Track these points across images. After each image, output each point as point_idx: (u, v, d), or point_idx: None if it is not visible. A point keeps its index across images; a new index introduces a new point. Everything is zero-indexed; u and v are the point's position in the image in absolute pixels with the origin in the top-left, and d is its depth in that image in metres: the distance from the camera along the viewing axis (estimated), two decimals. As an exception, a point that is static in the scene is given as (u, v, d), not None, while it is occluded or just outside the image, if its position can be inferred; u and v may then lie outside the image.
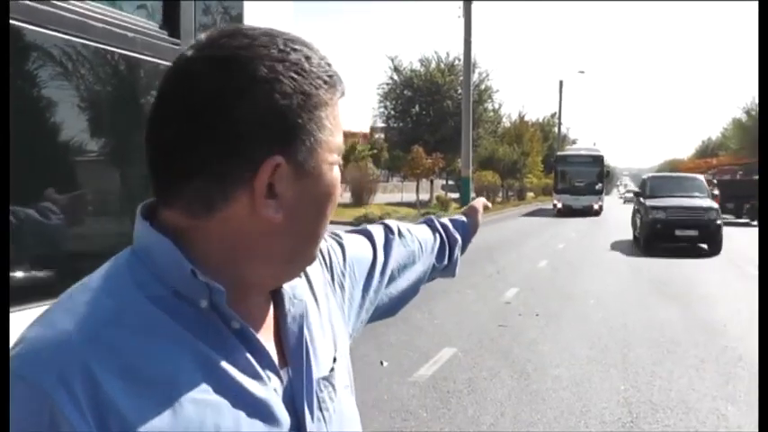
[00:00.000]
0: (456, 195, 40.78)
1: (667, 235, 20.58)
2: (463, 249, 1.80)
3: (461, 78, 40.34)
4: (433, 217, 1.79)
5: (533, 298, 12.32)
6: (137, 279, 0.92)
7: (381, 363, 7.54)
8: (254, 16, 2.61)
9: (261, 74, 0.90)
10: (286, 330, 1.04)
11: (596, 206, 43.04)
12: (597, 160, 46.34)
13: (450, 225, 1.76)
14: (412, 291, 1.57)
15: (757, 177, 38.39)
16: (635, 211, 24.03)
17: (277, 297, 1.05)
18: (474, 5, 33.96)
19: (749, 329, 9.87)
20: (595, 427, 5.94)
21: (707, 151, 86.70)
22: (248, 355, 0.95)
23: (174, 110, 0.91)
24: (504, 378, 7.33)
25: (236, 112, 0.88)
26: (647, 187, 23.70)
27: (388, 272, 1.45)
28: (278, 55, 0.92)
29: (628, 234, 24.43)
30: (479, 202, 1.94)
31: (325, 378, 1.07)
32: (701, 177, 25.06)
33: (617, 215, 39.82)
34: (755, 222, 34.37)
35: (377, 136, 55.06)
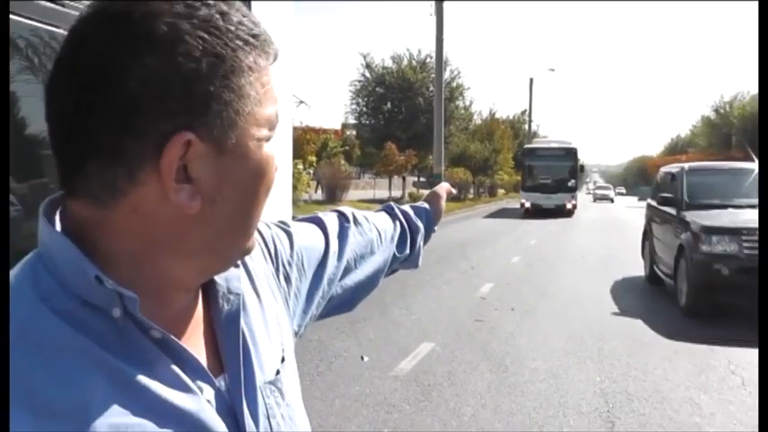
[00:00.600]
0: (427, 192, 40.98)
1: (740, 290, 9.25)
2: (426, 238, 1.65)
3: (433, 76, 40.55)
4: (392, 204, 1.63)
5: (508, 293, 12.44)
6: (40, 290, 0.79)
7: (362, 358, 7.63)
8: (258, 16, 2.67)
9: (159, 33, 0.75)
10: (220, 331, 0.93)
11: (569, 205, 37.52)
12: (569, 153, 39.76)
13: (411, 213, 1.61)
14: (370, 283, 1.42)
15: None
16: (649, 233, 13.69)
17: (209, 293, 0.94)
18: (446, 4, 34.10)
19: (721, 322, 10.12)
20: (573, 417, 6.08)
21: (676, 148, 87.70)
22: (174, 367, 0.83)
23: (66, 79, 0.78)
24: (483, 371, 7.45)
25: (128, 79, 0.74)
26: (684, 188, 11.68)
27: (344, 262, 1.32)
28: (184, 11, 0.77)
29: (601, 232, 24.67)
30: (443, 188, 1.76)
31: (270, 382, 0.97)
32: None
33: (590, 215, 40.73)
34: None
35: (348, 133, 55.07)
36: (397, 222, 1.57)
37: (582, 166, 41.88)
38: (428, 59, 48.66)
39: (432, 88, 41.41)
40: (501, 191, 65.26)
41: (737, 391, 6.87)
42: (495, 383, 7.03)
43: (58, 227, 0.83)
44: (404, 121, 48.14)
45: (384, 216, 1.56)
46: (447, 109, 41.89)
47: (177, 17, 0.76)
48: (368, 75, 50.81)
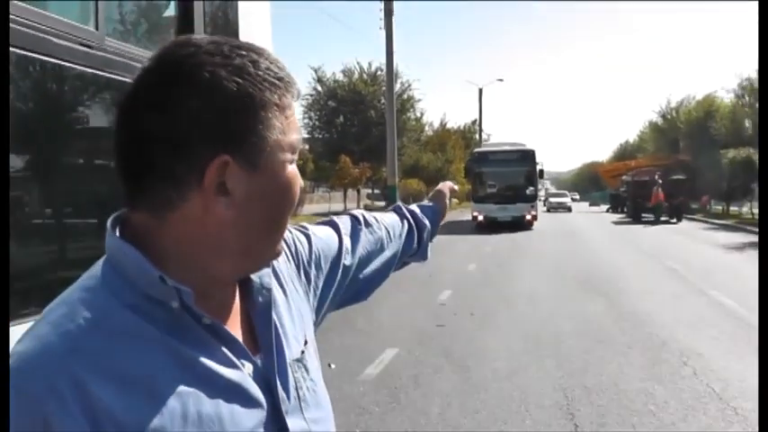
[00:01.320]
0: (383, 204, 41.16)
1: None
2: (432, 234, 1.83)
3: (384, 88, 40.84)
4: (400, 204, 1.82)
5: (467, 299, 12.71)
6: (111, 288, 0.97)
7: (329, 365, 7.79)
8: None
9: (203, 79, 0.95)
10: (256, 319, 1.13)
11: (528, 216, 32.44)
12: (526, 157, 34.54)
13: (418, 211, 1.80)
14: (381, 275, 1.61)
15: (677, 177, 40.23)
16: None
17: (245, 288, 1.13)
18: (395, 18, 34.46)
19: (671, 317, 10.54)
20: (535, 411, 6.34)
21: (625, 154, 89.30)
22: (221, 347, 1.02)
23: (129, 118, 0.98)
24: (447, 373, 7.69)
25: (178, 116, 0.94)
26: None
27: (356, 259, 1.49)
28: (221, 61, 0.97)
29: (555, 238, 25.15)
30: (446, 186, 1.98)
31: (297, 360, 1.16)
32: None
33: (547, 224, 36.37)
34: (674, 220, 36.00)
35: (301, 147, 55.01)
36: (405, 221, 1.75)
37: (541, 171, 35.24)
38: (379, 72, 49.01)
39: (383, 101, 41.69)
40: (455, 200, 65.75)
41: (690, 381, 7.21)
42: (459, 384, 7.27)
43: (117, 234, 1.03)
44: (357, 133, 48.36)
45: (392, 215, 1.75)
46: (399, 121, 42.18)
47: (216, 66, 0.97)
48: (319, 88, 50.93)
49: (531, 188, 33.33)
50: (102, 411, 0.88)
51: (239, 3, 2.90)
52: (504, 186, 33.01)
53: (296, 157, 1.06)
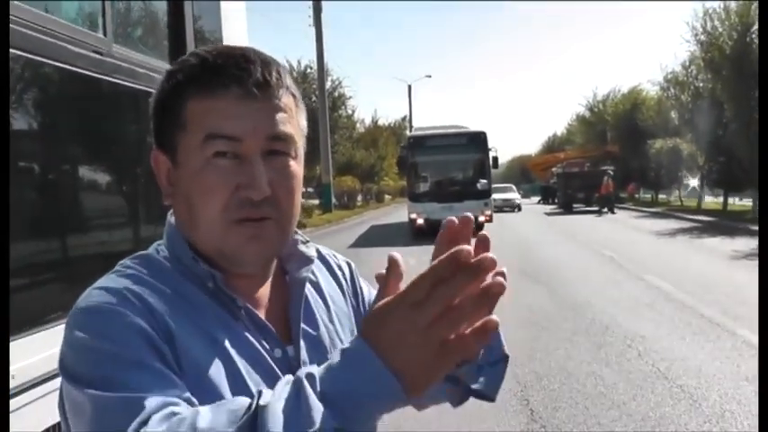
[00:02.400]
0: (316, 202, 41.08)
1: None
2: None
3: (314, 86, 40.78)
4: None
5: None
6: (167, 260, 1.15)
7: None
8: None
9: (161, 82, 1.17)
10: (291, 311, 1.21)
11: (482, 217, 24.15)
12: (476, 141, 26.57)
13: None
14: None
15: (606, 168, 41.27)
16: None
17: (286, 286, 1.24)
18: (323, 15, 34.46)
19: (611, 303, 10.82)
20: (490, 398, 6.44)
21: (553, 146, 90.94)
22: (252, 327, 1.13)
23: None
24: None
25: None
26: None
27: None
28: (174, 67, 1.16)
29: (495, 227, 25.49)
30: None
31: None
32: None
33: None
34: (606, 209, 36.90)
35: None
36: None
37: (495, 159, 26.92)
38: (308, 70, 48.88)
39: (314, 99, 41.60)
40: (387, 196, 66.20)
41: (636, 362, 7.43)
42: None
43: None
44: (288, 132, 48.12)
45: None
46: (331, 118, 42.19)
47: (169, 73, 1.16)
48: (249, 88, 50.57)
49: (484, 181, 25.70)
50: (160, 321, 1.02)
51: (221, 3, 2.91)
52: (448, 180, 26.11)
53: (226, 143, 1.10)
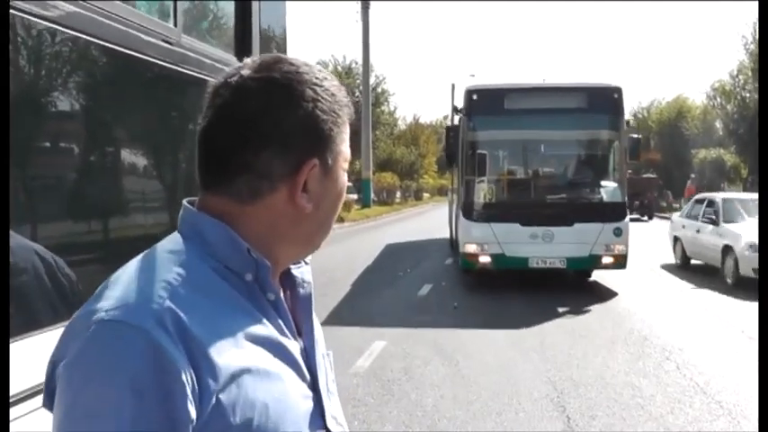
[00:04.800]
0: (355, 197, 41.20)
1: None
2: None
3: (358, 81, 40.94)
4: None
5: (447, 292, 12.89)
6: (197, 254, 1.11)
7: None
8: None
9: (307, 94, 1.12)
10: (297, 307, 1.24)
11: (608, 258, 12.38)
12: (601, 105, 13.00)
13: None
14: None
15: (647, 176, 40.76)
16: None
17: (288, 281, 1.25)
18: (370, 10, 34.55)
19: (651, 314, 10.78)
20: (527, 403, 6.49)
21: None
22: (280, 321, 1.15)
23: (232, 118, 1.12)
24: (437, 365, 7.83)
25: (285, 123, 1.11)
26: None
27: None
28: (317, 81, 1.15)
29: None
30: None
31: (325, 354, 1.28)
32: None
33: None
34: (645, 218, 36.43)
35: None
36: None
37: (636, 142, 13.51)
38: (353, 65, 49.12)
39: (357, 94, 41.72)
40: (426, 195, 66.19)
41: (674, 375, 7.43)
42: (450, 376, 7.42)
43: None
44: (330, 127, 48.34)
45: None
46: (373, 114, 42.30)
47: (315, 85, 1.14)
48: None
49: (611, 185, 13.54)
50: (197, 348, 1.00)
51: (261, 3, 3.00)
52: (543, 182, 13.92)
53: (347, 165, 1.23)
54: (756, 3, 37.58)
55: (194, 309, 1.03)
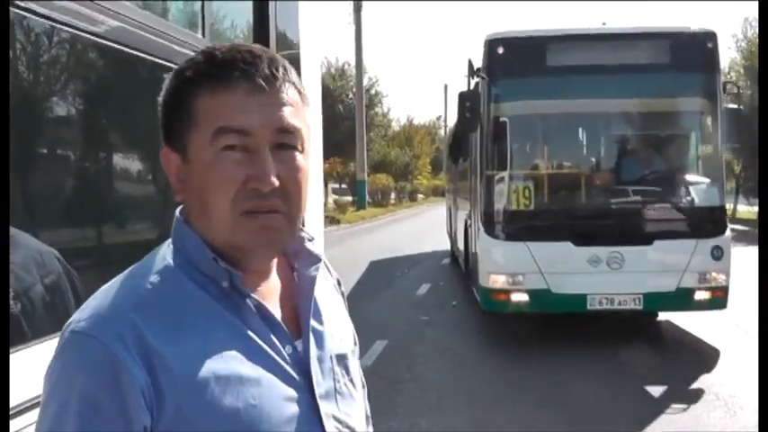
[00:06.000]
0: (349, 199, 41.22)
1: None
2: None
3: (352, 83, 40.98)
4: None
5: (445, 291, 12.97)
6: (175, 262, 1.13)
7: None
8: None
9: (165, 82, 1.18)
10: (301, 307, 1.22)
11: (703, 293, 8.08)
12: (691, 49, 8.32)
13: None
14: None
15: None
16: None
17: (297, 278, 1.24)
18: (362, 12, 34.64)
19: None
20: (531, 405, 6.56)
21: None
22: (263, 325, 1.13)
23: None
24: (439, 364, 7.94)
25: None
26: None
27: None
28: (181, 66, 1.18)
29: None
30: None
31: (339, 356, 1.24)
32: None
33: None
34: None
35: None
36: None
37: (736, 113, 8.99)
38: (346, 67, 49.07)
39: (351, 96, 41.72)
40: (420, 196, 66.29)
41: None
42: (454, 374, 7.51)
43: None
44: (325, 128, 47.95)
45: None
46: (367, 116, 42.31)
47: (176, 72, 1.18)
48: (286, 83, 50.77)
49: (704, 181, 8.93)
50: (156, 360, 1.02)
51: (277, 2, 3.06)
52: (611, 176, 9.05)
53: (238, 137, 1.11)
54: (753, 2, 37.85)
55: (159, 320, 1.05)
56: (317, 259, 1.26)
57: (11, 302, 1.50)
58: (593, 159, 9.38)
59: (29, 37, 1.74)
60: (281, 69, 1.14)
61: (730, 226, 8.51)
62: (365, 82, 46.22)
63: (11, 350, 1.41)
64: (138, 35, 1.94)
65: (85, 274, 1.80)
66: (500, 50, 8.38)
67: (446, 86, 79.36)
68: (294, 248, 1.24)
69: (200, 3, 2.52)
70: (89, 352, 1.02)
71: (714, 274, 8.06)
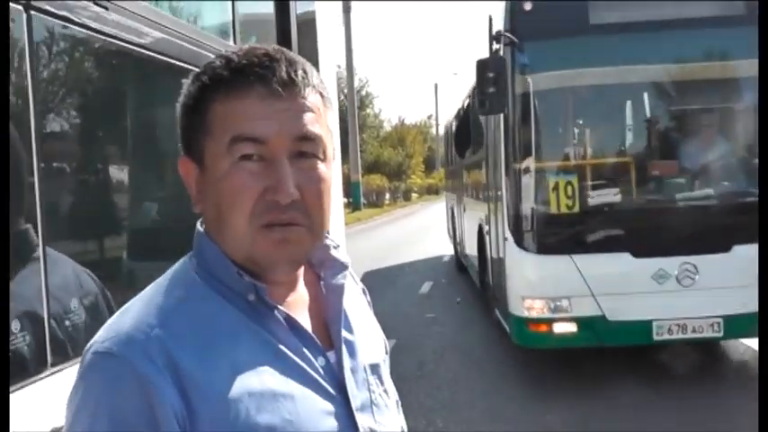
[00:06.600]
0: (344, 200, 41.16)
1: None
2: None
3: (343, 85, 40.99)
4: None
5: (448, 288, 12.94)
6: (199, 276, 1.09)
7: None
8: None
9: (185, 87, 1.13)
10: (330, 317, 1.19)
11: None
12: None
13: None
14: None
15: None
16: None
17: (318, 291, 1.20)
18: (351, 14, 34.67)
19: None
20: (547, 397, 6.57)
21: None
22: (295, 339, 1.10)
23: None
24: (449, 361, 7.94)
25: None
26: None
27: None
28: (201, 70, 1.12)
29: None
30: None
31: (372, 365, 1.21)
32: None
33: None
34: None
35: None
36: None
37: None
38: (336, 69, 49.13)
39: (342, 98, 41.69)
40: (414, 195, 66.30)
41: None
42: (465, 371, 7.53)
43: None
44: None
45: None
46: (359, 117, 42.34)
47: (196, 76, 1.12)
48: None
49: None
50: (186, 377, 0.98)
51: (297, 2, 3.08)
52: (676, 164, 6.81)
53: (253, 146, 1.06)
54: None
55: (187, 336, 1.02)
56: (343, 267, 1.22)
57: (52, 322, 1.47)
58: (656, 144, 7.06)
59: (59, 45, 1.74)
60: (300, 72, 1.08)
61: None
62: (356, 83, 46.34)
63: (51, 370, 1.40)
64: (173, 43, 1.96)
65: (118, 292, 1.77)
66: (527, 6, 6.38)
67: (436, 86, 79.63)
68: (319, 257, 1.20)
69: (230, 11, 2.53)
70: (115, 372, 0.98)
71: None
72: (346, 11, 34.29)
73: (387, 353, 1.35)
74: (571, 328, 6.24)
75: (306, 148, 1.07)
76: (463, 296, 11.87)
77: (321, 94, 1.11)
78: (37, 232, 1.35)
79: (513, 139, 6.54)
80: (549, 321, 6.28)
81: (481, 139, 8.68)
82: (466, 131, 10.15)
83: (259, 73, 1.05)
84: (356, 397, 1.13)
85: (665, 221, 6.36)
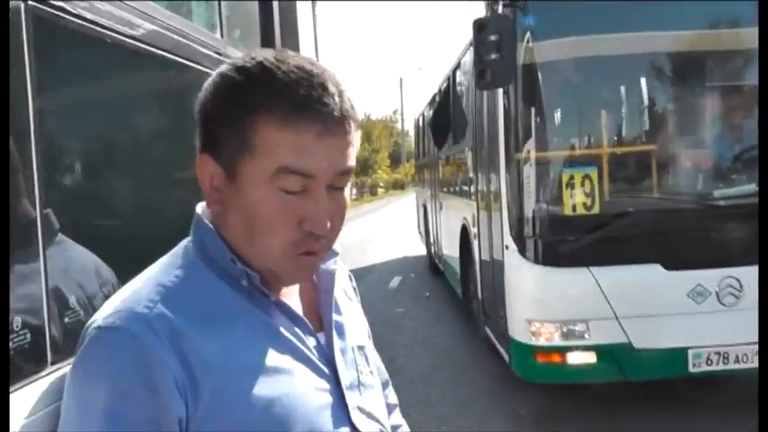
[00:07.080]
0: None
1: None
2: None
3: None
4: None
5: (416, 283, 13.00)
6: (199, 257, 1.14)
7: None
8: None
9: (208, 83, 1.14)
10: (321, 300, 1.25)
11: None
12: None
13: None
14: None
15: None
16: None
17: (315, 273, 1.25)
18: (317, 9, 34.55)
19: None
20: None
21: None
22: (287, 320, 1.15)
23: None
24: (420, 353, 7.98)
25: (199, 112, 1.16)
26: None
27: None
28: (228, 70, 1.13)
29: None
30: None
31: (360, 347, 1.27)
32: None
33: None
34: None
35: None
36: None
37: None
38: (302, 64, 49.03)
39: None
40: (381, 189, 66.44)
41: None
42: (437, 363, 7.56)
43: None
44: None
45: None
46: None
47: (223, 75, 1.14)
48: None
49: None
50: (189, 349, 1.01)
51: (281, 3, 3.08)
52: (711, 154, 5.47)
53: (290, 182, 1.07)
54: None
55: (188, 311, 1.05)
56: (334, 253, 1.27)
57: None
58: (688, 129, 5.69)
59: (55, 37, 1.73)
60: (348, 103, 1.09)
61: None
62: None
63: (50, 369, 1.39)
64: (165, 36, 1.96)
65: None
66: None
67: (401, 80, 79.72)
68: None
69: (216, 4, 2.54)
70: (117, 343, 1.00)
71: None
72: (312, 8, 34.19)
73: (369, 337, 1.39)
74: (589, 358, 5.06)
75: (342, 183, 1.11)
76: (432, 290, 11.93)
77: (356, 122, 1.13)
78: (37, 231, 1.34)
79: (516, 121, 5.26)
80: (562, 350, 5.08)
81: (465, 125, 7.51)
82: (445, 119, 8.82)
83: (316, 108, 1.04)
84: (345, 376, 1.18)
85: (703, 225, 5.11)
